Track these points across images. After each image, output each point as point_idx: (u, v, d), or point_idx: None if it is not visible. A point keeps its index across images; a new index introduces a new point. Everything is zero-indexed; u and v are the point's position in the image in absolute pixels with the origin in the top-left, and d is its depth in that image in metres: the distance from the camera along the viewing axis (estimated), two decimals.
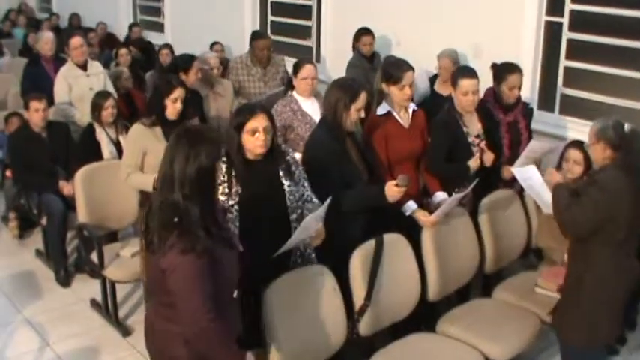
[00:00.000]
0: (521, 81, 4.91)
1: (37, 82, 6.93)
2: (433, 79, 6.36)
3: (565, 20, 6.20)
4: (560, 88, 6.34)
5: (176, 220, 2.64)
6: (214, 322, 2.67)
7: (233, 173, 3.47)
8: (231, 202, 3.46)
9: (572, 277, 3.76)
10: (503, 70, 4.88)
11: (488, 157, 4.47)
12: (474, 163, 4.44)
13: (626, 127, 3.63)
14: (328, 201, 3.51)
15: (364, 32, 6.99)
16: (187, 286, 2.64)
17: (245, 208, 3.44)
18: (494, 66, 4.96)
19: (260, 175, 3.52)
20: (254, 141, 3.43)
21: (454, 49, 6.29)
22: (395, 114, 4.27)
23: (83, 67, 6.64)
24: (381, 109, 4.30)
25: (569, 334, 3.76)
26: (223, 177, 3.45)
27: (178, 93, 4.75)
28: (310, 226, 3.44)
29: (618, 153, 3.57)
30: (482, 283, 4.66)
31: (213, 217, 2.74)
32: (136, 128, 4.81)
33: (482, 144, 4.48)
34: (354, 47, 7.12)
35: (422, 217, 4.09)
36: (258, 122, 3.42)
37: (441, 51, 6.30)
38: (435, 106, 4.97)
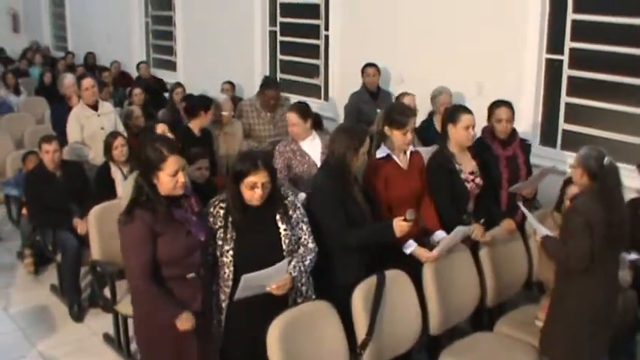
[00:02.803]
0: (509, 114, 5.00)
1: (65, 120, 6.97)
2: (430, 118, 6.48)
3: (565, 58, 6.34)
4: (562, 124, 6.46)
5: (136, 194, 3.44)
6: (146, 286, 3.38)
7: (230, 219, 3.60)
8: (226, 247, 3.60)
9: (555, 297, 3.93)
10: (492, 107, 5.07)
11: (478, 231, 4.53)
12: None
13: (606, 160, 3.75)
14: (283, 262, 3.56)
15: (367, 65, 7.27)
16: (124, 249, 3.42)
17: (239, 253, 3.57)
18: (488, 107, 5.11)
19: (256, 219, 3.62)
20: (252, 194, 3.55)
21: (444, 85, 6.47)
22: (394, 157, 4.37)
23: (94, 107, 6.82)
24: (381, 152, 4.39)
25: (554, 349, 3.90)
26: (220, 222, 3.61)
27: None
28: (255, 284, 3.46)
29: (594, 182, 3.74)
30: (486, 316, 4.74)
31: (162, 201, 3.41)
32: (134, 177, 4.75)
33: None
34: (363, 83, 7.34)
35: (423, 253, 4.19)
36: (258, 178, 3.52)
37: (435, 89, 6.43)
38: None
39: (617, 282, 4.01)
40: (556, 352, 3.93)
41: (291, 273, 3.60)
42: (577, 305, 3.81)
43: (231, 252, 3.59)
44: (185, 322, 3.41)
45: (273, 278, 3.51)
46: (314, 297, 3.82)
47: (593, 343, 3.85)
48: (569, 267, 3.82)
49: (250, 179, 3.52)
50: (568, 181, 4.80)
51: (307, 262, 3.70)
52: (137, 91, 8.70)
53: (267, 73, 9.56)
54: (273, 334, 3.40)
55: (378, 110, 5.73)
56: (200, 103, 6.34)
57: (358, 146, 3.97)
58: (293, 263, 3.64)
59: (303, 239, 3.75)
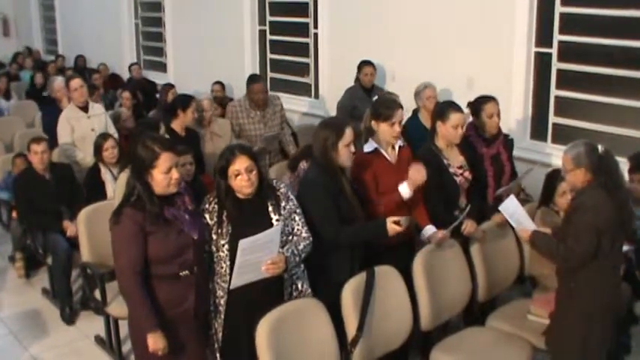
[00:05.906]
0: (498, 109, 4.96)
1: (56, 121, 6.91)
2: (414, 114, 6.40)
3: (554, 51, 6.35)
4: (552, 118, 6.46)
5: (127, 194, 3.45)
6: (132, 288, 3.38)
7: (224, 213, 3.61)
8: (222, 242, 3.61)
9: (562, 295, 3.86)
10: (479, 103, 5.00)
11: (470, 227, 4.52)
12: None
13: (600, 148, 3.72)
14: (276, 227, 3.57)
15: (365, 63, 7.16)
16: (114, 248, 3.45)
17: (235, 246, 3.52)
18: (470, 104, 5.05)
19: (250, 212, 3.64)
20: (239, 182, 3.58)
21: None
22: (382, 150, 4.35)
23: (84, 108, 6.78)
24: (368, 147, 4.36)
25: (563, 350, 3.85)
26: (216, 217, 3.61)
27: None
28: (252, 253, 3.45)
29: (598, 175, 3.68)
30: (477, 311, 4.73)
31: (154, 199, 3.41)
32: (124, 177, 4.55)
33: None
34: (356, 79, 7.26)
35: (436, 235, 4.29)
36: (239, 164, 3.57)
37: (419, 85, 6.30)
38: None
39: (620, 276, 3.96)
40: (567, 351, 3.86)
41: (284, 253, 3.60)
42: (588, 303, 3.73)
43: (226, 246, 3.60)
44: (155, 342, 3.41)
45: (269, 247, 3.51)
46: (309, 291, 3.82)
47: (603, 338, 3.80)
48: (566, 266, 3.79)
49: (233, 168, 3.57)
50: (554, 176, 4.77)
51: (301, 247, 3.71)
52: (126, 94, 8.66)
53: (257, 72, 9.53)
54: (262, 331, 3.38)
55: None
56: (176, 103, 6.32)
57: (336, 139, 3.93)
58: (286, 247, 3.66)
59: (296, 229, 3.76)
